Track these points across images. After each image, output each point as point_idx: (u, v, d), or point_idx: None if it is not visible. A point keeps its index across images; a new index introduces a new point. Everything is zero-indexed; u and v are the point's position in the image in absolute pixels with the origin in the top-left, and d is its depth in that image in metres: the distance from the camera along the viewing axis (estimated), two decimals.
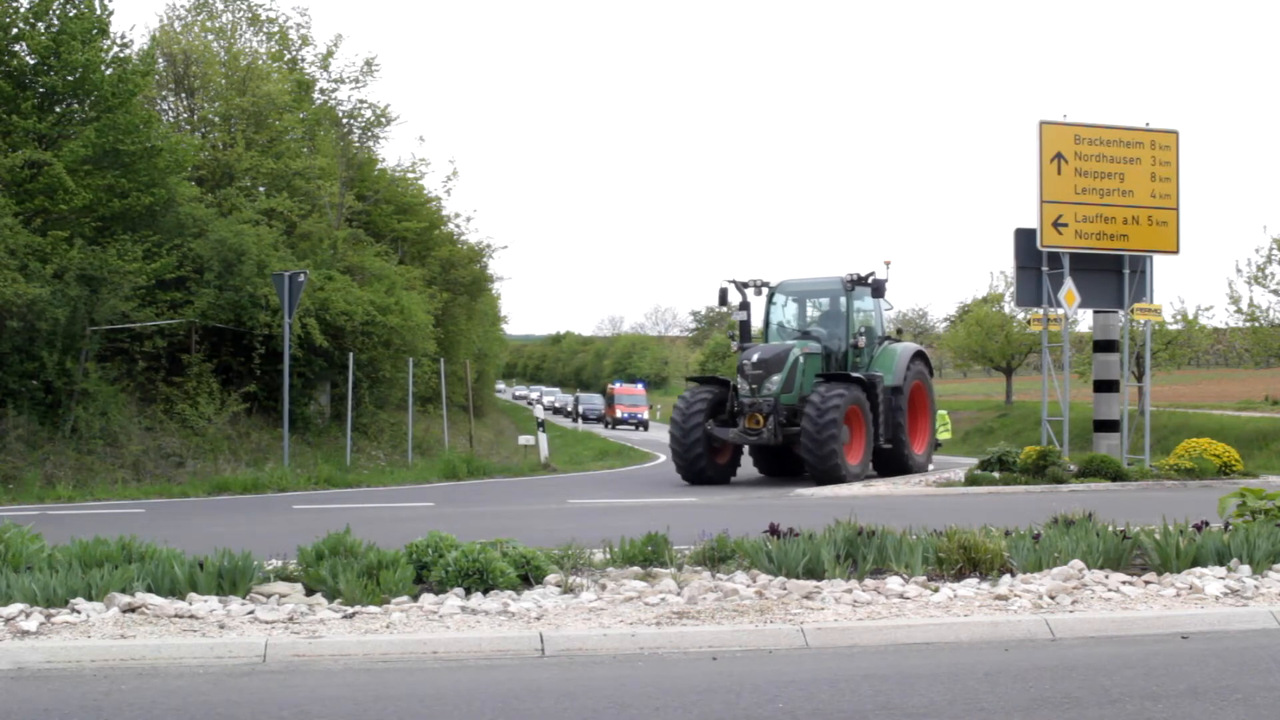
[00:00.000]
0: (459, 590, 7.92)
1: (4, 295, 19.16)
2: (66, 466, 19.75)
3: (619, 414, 66.42)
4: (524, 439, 30.04)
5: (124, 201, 22.37)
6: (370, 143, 38.33)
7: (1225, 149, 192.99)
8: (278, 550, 8.96)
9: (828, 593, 7.97)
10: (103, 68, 22.19)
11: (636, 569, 8.74)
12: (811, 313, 23.46)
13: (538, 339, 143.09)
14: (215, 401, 23.80)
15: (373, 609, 7.50)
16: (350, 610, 7.46)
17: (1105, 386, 22.33)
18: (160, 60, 27.77)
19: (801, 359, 21.45)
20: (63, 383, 20.73)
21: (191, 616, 7.27)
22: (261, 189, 29.31)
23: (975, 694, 5.94)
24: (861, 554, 8.95)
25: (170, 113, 30.32)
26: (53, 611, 7.33)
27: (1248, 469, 21.88)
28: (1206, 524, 9.67)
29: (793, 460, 21.90)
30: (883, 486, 19.49)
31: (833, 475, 19.91)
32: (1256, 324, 35.06)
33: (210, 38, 31.54)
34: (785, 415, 20.94)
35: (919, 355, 23.25)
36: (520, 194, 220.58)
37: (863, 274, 22.25)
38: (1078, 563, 8.73)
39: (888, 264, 22.78)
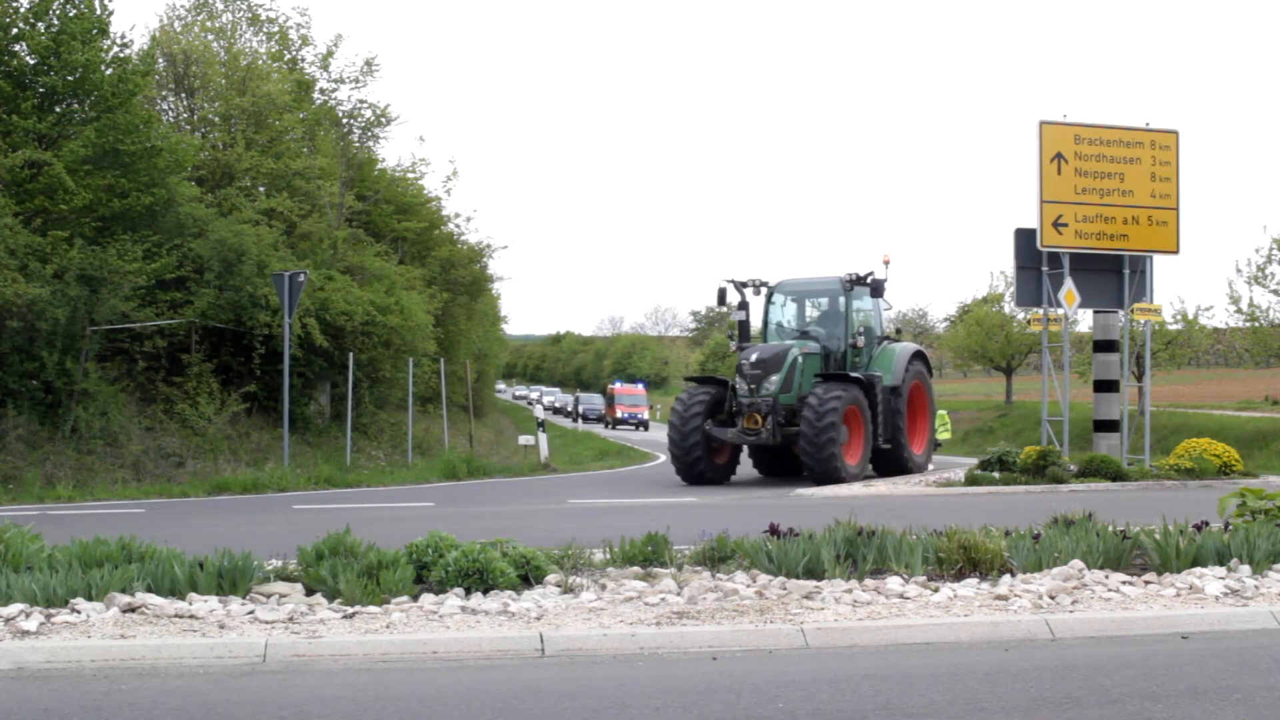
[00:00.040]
0: (459, 590, 7.92)
1: (4, 295, 19.16)
2: (66, 466, 19.75)
3: (619, 414, 66.42)
4: (524, 439, 30.04)
5: (124, 201, 22.38)
6: (370, 143, 38.38)
7: (1225, 149, 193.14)
8: (278, 550, 8.96)
9: (828, 593, 7.97)
10: (103, 68, 22.19)
11: (636, 569, 8.74)
12: (810, 312, 23.43)
13: (538, 339, 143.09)
14: (215, 401, 23.81)
15: (373, 609, 7.50)
16: (350, 610, 7.46)
17: (1105, 386, 22.33)
18: (160, 60, 27.77)
19: (800, 359, 21.42)
20: (63, 383, 20.73)
21: (191, 616, 7.27)
22: (261, 189, 29.31)
23: (975, 694, 5.94)
24: (861, 554, 8.95)
25: (170, 113, 30.32)
26: (53, 611, 7.33)
27: (1248, 469, 21.88)
28: (1206, 524, 9.67)
29: (791, 460, 21.87)
30: (883, 486, 19.49)
31: (831, 475, 19.90)
32: (1256, 324, 35.07)
33: (210, 38, 31.55)
34: (784, 415, 20.92)
35: (918, 355, 23.21)
36: (520, 194, 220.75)
37: (861, 274, 22.22)
38: (1078, 563, 8.73)
39: (886, 262, 22.71)
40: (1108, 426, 22.26)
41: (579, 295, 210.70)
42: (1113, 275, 22.21)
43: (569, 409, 78.20)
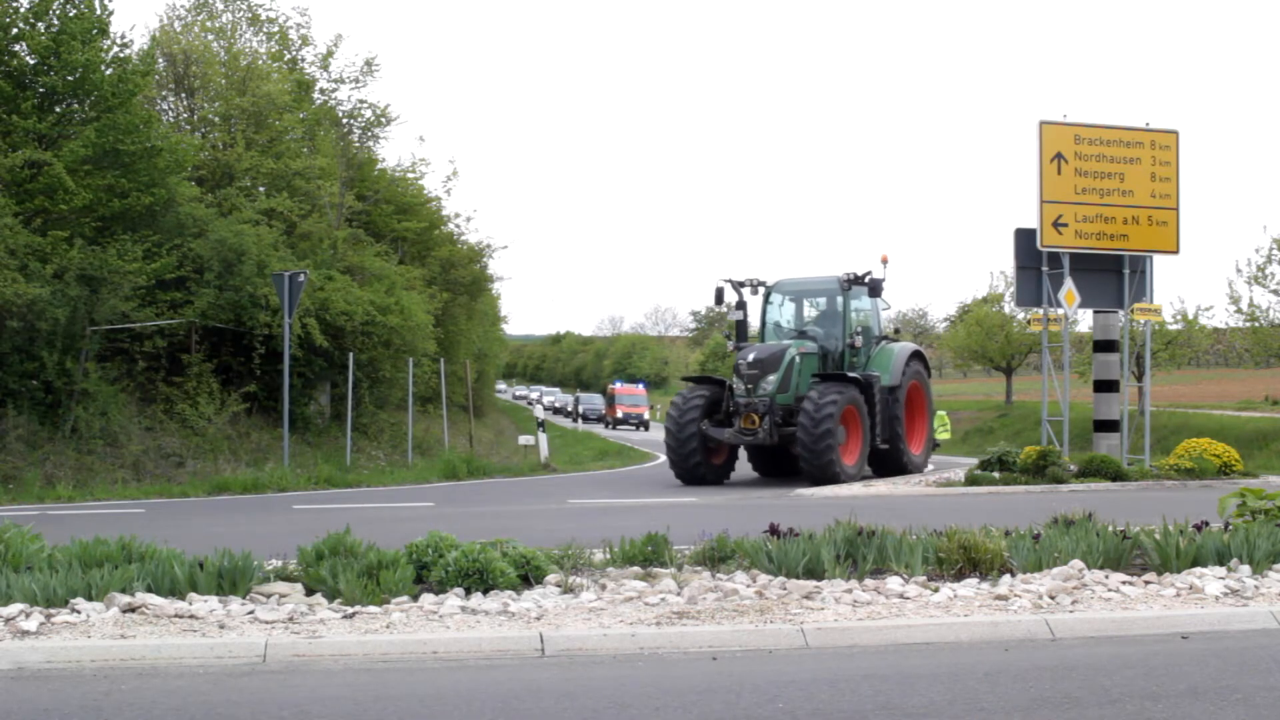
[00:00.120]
0: (459, 590, 7.92)
1: (4, 295, 19.16)
2: (66, 466, 19.75)
3: (619, 414, 66.45)
4: (524, 439, 30.04)
5: (124, 201, 22.38)
6: (370, 143, 38.37)
7: (1225, 149, 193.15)
8: (278, 550, 8.96)
9: (828, 593, 7.97)
10: (103, 68, 22.19)
11: (636, 569, 8.74)
12: (808, 312, 23.38)
13: (538, 339, 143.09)
14: (215, 401, 23.81)
15: (373, 609, 7.50)
16: (350, 610, 7.46)
17: (1105, 386, 22.33)
18: (160, 60, 27.77)
19: (798, 359, 21.39)
20: (63, 383, 20.73)
21: (191, 616, 7.28)
22: (261, 189, 29.31)
23: (975, 694, 5.94)
24: (861, 554, 8.95)
25: (170, 113, 30.32)
26: (53, 611, 7.33)
27: (1248, 469, 21.88)
28: (1206, 524, 9.68)
29: (789, 460, 21.82)
30: (883, 486, 19.48)
31: (828, 476, 19.87)
32: (1256, 324, 35.07)
33: (210, 38, 31.55)
34: (781, 415, 20.88)
35: (916, 355, 23.15)
36: (520, 194, 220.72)
37: (859, 273, 22.18)
38: (1078, 563, 8.73)
39: (884, 262, 22.63)
40: (1108, 426, 22.26)
41: (579, 295, 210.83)
42: (1113, 275, 22.21)
43: (569, 409, 78.21)
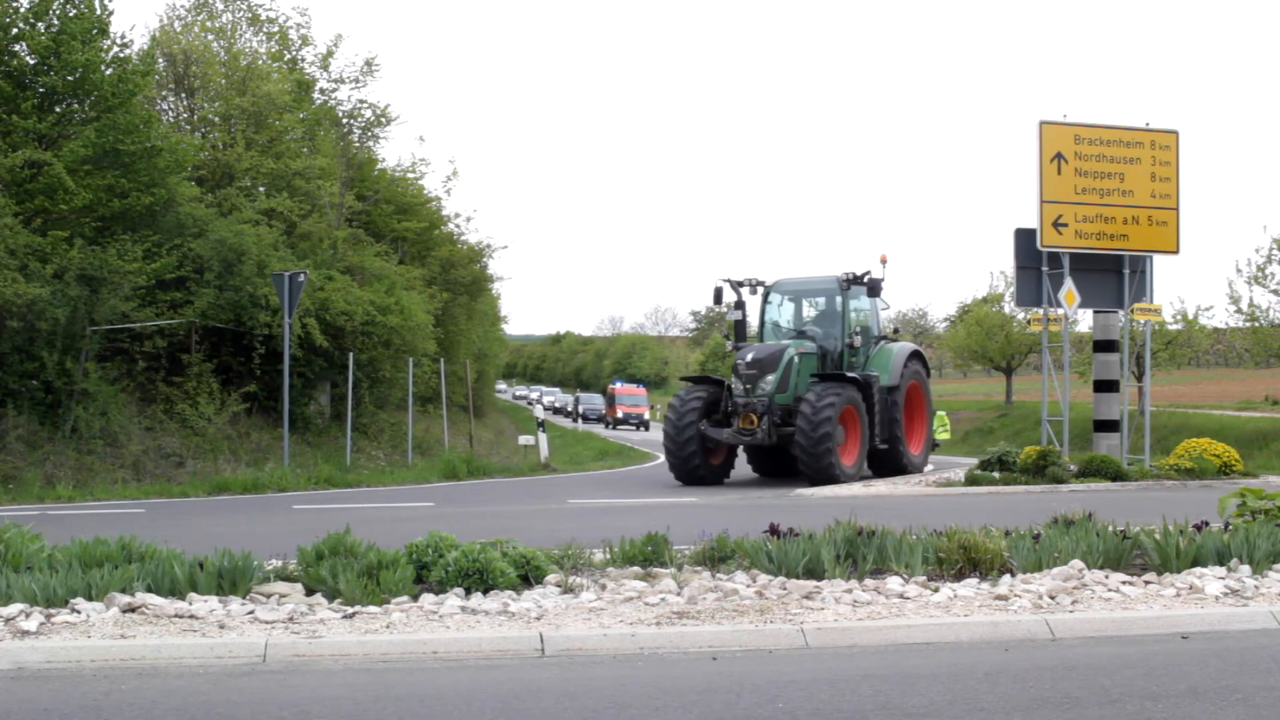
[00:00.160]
0: (459, 590, 7.92)
1: (4, 295, 19.16)
2: (66, 466, 19.75)
3: (620, 414, 66.44)
4: (524, 439, 30.04)
5: (124, 201, 22.38)
6: (370, 143, 38.37)
7: (1225, 149, 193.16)
8: (278, 550, 8.96)
9: (828, 593, 7.97)
10: (103, 68, 22.19)
11: (636, 569, 8.74)
12: (807, 312, 23.36)
13: (538, 339, 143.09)
14: (215, 401, 23.81)
15: (373, 609, 7.50)
16: (350, 610, 7.46)
17: (1105, 386, 22.33)
18: (160, 60, 27.77)
19: (796, 359, 21.37)
20: (63, 383, 20.73)
21: (191, 616, 7.27)
22: (261, 189, 29.31)
23: (975, 694, 5.94)
24: (861, 554, 8.95)
25: (170, 113, 30.32)
26: (53, 611, 7.33)
27: (1248, 469, 21.88)
28: (1206, 524, 9.68)
29: (788, 460, 21.76)
30: (883, 486, 19.48)
31: (827, 476, 19.85)
32: (1256, 324, 35.08)
33: (210, 38, 31.55)
34: (780, 415, 20.86)
35: (915, 355, 23.12)
36: (520, 194, 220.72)
37: (858, 273, 22.17)
38: (1078, 563, 8.73)
39: (883, 261, 22.59)
40: (1108, 426, 22.26)
41: (579, 295, 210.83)
42: (1113, 275, 22.21)
43: (569, 409, 78.21)
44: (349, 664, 6.63)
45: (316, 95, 35.41)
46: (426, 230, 38.40)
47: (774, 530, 9.22)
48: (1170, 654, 6.92)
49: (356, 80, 36.15)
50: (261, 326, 24.86)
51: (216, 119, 30.12)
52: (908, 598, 7.95)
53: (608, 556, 9.12)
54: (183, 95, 30.26)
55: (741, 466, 23.12)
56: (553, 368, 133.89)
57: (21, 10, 21.95)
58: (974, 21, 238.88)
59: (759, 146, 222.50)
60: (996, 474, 19.74)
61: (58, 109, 22.62)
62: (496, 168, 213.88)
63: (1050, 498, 16.81)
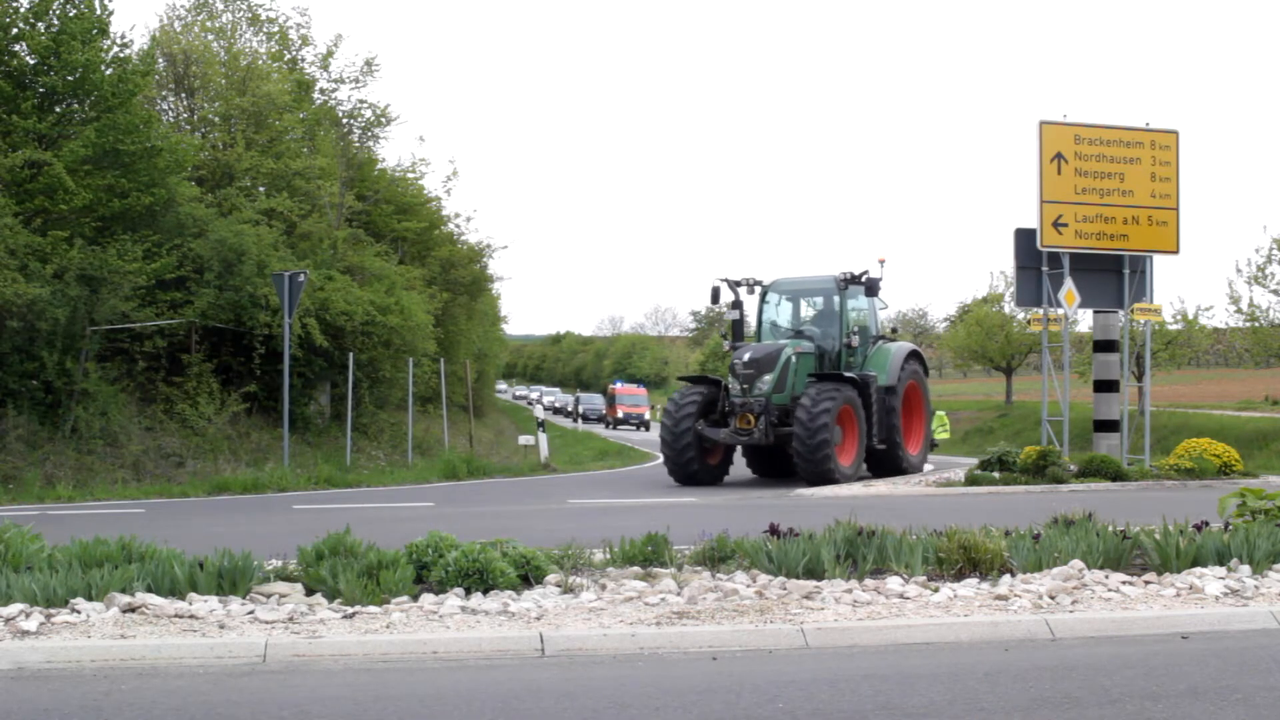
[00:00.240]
0: (459, 590, 7.92)
1: (4, 295, 19.17)
2: (66, 466, 19.76)
3: (620, 414, 66.44)
4: (524, 439, 30.05)
5: (124, 201, 22.38)
6: (370, 143, 38.38)
7: (1225, 149, 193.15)
8: (278, 550, 8.96)
9: (828, 593, 7.97)
10: (103, 68, 22.19)
11: (636, 569, 8.74)
12: (805, 311, 23.32)
13: (538, 339, 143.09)
14: (215, 401, 23.81)
15: (373, 609, 7.50)
16: (350, 610, 7.46)
17: (1105, 386, 22.33)
18: (160, 60, 27.78)
19: (794, 358, 21.34)
20: (63, 383, 20.73)
21: (191, 616, 7.28)
22: (261, 189, 29.32)
23: (975, 694, 5.94)
24: (861, 554, 8.95)
25: (170, 113, 30.33)
26: (53, 611, 7.33)
27: (1248, 469, 21.88)
28: (1206, 524, 9.68)
29: (786, 460, 21.69)
30: (882, 486, 19.48)
31: (824, 476, 19.82)
32: (1256, 324, 35.08)
33: (210, 38, 31.56)
34: (777, 415, 20.83)
35: (914, 355, 23.07)
36: (520, 194, 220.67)
37: (856, 272, 22.15)
38: (1078, 563, 8.73)
39: (882, 262, 22.55)
40: (1108, 426, 22.27)
41: (579, 295, 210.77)
42: (1113, 275, 22.21)
43: (569, 409, 78.19)
44: (349, 664, 6.63)
45: (316, 95, 35.42)
46: (426, 230, 38.41)
47: (774, 530, 9.22)
48: (1170, 654, 6.92)
49: (356, 80, 36.21)
50: (261, 326, 24.87)
51: (216, 119, 30.13)
52: (908, 598, 7.96)
53: (608, 556, 9.12)
54: (183, 95, 30.27)
55: (739, 466, 23.11)
56: (553, 368, 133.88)
57: (21, 10, 21.95)
58: (974, 21, 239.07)
59: (758, 146, 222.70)
60: (996, 474, 19.74)
61: (58, 109, 22.63)
62: (496, 168, 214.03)
63: (1050, 498, 16.81)
